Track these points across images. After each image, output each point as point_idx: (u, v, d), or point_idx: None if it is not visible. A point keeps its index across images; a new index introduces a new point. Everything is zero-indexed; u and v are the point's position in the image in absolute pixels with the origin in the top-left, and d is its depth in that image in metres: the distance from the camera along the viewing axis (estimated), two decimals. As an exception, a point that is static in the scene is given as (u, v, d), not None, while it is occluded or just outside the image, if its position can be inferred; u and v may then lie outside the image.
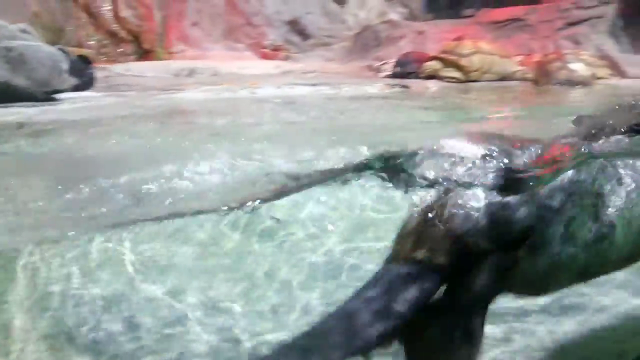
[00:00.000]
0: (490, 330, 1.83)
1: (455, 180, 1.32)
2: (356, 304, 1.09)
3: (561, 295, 2.01)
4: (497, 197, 1.19)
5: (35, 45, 5.40)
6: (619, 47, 9.82)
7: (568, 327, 1.86)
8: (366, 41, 12.15)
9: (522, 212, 1.18)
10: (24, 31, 5.53)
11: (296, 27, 12.53)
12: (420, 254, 1.10)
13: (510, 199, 1.19)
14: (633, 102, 1.94)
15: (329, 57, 12.72)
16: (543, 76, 7.41)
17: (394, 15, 13.78)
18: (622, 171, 1.29)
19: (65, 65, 5.29)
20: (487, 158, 1.39)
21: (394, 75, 8.46)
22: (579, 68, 7.35)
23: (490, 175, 1.30)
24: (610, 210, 1.25)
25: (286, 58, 11.26)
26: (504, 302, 1.87)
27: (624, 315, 1.89)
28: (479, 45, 7.92)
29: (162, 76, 8.28)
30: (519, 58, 8.83)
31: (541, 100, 6.36)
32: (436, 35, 11.09)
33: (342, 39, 13.17)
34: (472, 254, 1.12)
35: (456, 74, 7.65)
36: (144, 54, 10.73)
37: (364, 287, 1.13)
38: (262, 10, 11.80)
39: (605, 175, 1.29)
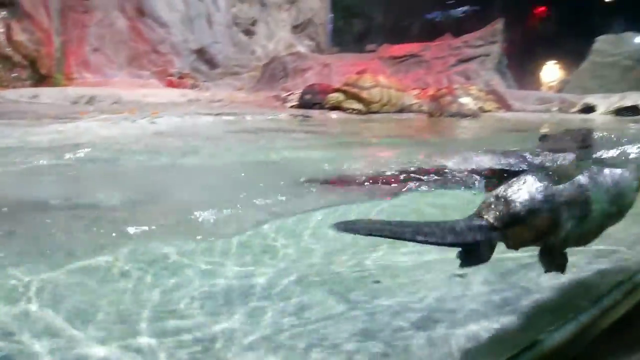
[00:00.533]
0: (367, 346, 1.95)
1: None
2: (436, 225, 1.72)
3: (433, 308, 2.18)
4: (533, 194, 1.89)
5: None
6: (505, 82, 10.73)
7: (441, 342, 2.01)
8: (274, 72, 12.38)
9: (545, 204, 1.88)
10: None
11: (204, 56, 12.53)
12: (488, 216, 1.79)
13: (539, 196, 1.89)
14: (579, 128, 2.93)
15: (238, 87, 12.82)
16: (436, 109, 7.92)
17: (301, 48, 14.20)
18: (591, 180, 2.09)
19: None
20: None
21: (300, 106, 8.68)
22: (467, 102, 7.93)
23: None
24: (587, 202, 2.01)
25: (193, 87, 11.21)
26: (378, 319, 2.00)
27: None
28: (378, 79, 8.32)
29: (59, 103, 7.95)
30: (415, 92, 9.40)
31: (427, 130, 6.82)
32: (341, 68, 11.55)
33: (251, 69, 13.34)
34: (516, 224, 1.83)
35: (358, 105, 7.97)
36: (41, 80, 10.26)
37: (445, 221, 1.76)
38: (168, 38, 11.70)
39: (584, 181, 2.06)
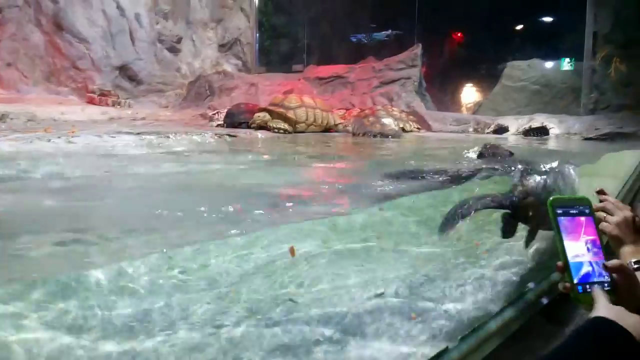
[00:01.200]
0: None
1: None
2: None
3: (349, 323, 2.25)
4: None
5: None
6: (424, 104, 11.20)
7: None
8: (200, 90, 12.28)
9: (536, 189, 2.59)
10: None
11: (127, 73, 12.24)
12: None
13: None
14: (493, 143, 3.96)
15: (162, 104, 12.60)
16: (360, 129, 8.15)
17: (227, 66, 14.19)
18: (557, 175, 2.77)
19: None
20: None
21: (226, 125, 8.65)
22: (389, 122, 8.22)
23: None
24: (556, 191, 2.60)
25: (114, 104, 10.89)
26: (296, 336, 2.05)
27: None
28: (303, 99, 8.47)
29: (-33, 120, 7.50)
30: (341, 112, 9.63)
31: (353, 149, 7.01)
32: (267, 87, 11.64)
33: (176, 87, 13.16)
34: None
35: (284, 125, 8.06)
36: (-53, 95, 9.63)
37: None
38: (88, 54, 11.34)
39: (554, 177, 2.69)
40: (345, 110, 9.85)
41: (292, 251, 2.67)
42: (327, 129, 8.70)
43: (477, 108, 11.87)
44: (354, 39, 15.03)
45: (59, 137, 4.71)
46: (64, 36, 11.11)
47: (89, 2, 11.47)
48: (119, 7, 11.98)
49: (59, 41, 11.07)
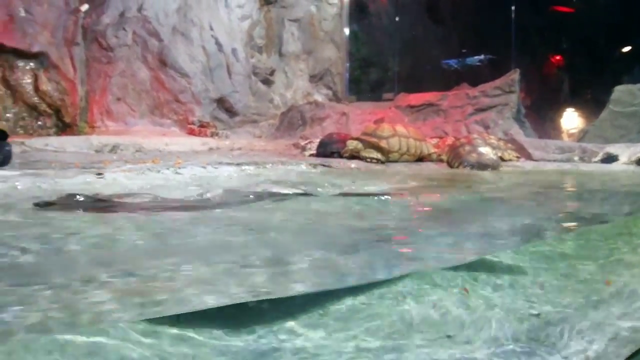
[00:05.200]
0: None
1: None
2: None
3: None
4: None
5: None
6: (524, 131, 10.71)
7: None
8: (292, 120, 12.55)
9: None
10: None
11: (224, 105, 12.78)
12: None
13: None
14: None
15: (256, 134, 13.00)
16: (455, 159, 7.88)
17: (318, 97, 14.44)
18: None
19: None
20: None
21: (318, 154, 8.73)
22: (487, 151, 7.89)
23: None
24: None
25: (213, 135, 11.38)
26: None
27: None
28: (396, 128, 8.36)
29: (84, 152, 8.10)
30: (434, 141, 9.41)
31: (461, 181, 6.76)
32: (358, 116, 11.67)
33: (269, 117, 13.55)
34: None
35: (377, 154, 7.99)
36: (65, 128, 10.50)
37: None
38: (189, 88, 11.97)
39: None
40: (439, 139, 9.62)
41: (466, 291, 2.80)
42: (421, 159, 8.52)
43: (581, 135, 11.13)
44: (445, 65, 14.78)
45: (167, 169, 4.93)
46: (167, 72, 11.81)
47: (190, 40, 12.15)
48: (217, 43, 12.59)
49: (163, 76, 11.78)
